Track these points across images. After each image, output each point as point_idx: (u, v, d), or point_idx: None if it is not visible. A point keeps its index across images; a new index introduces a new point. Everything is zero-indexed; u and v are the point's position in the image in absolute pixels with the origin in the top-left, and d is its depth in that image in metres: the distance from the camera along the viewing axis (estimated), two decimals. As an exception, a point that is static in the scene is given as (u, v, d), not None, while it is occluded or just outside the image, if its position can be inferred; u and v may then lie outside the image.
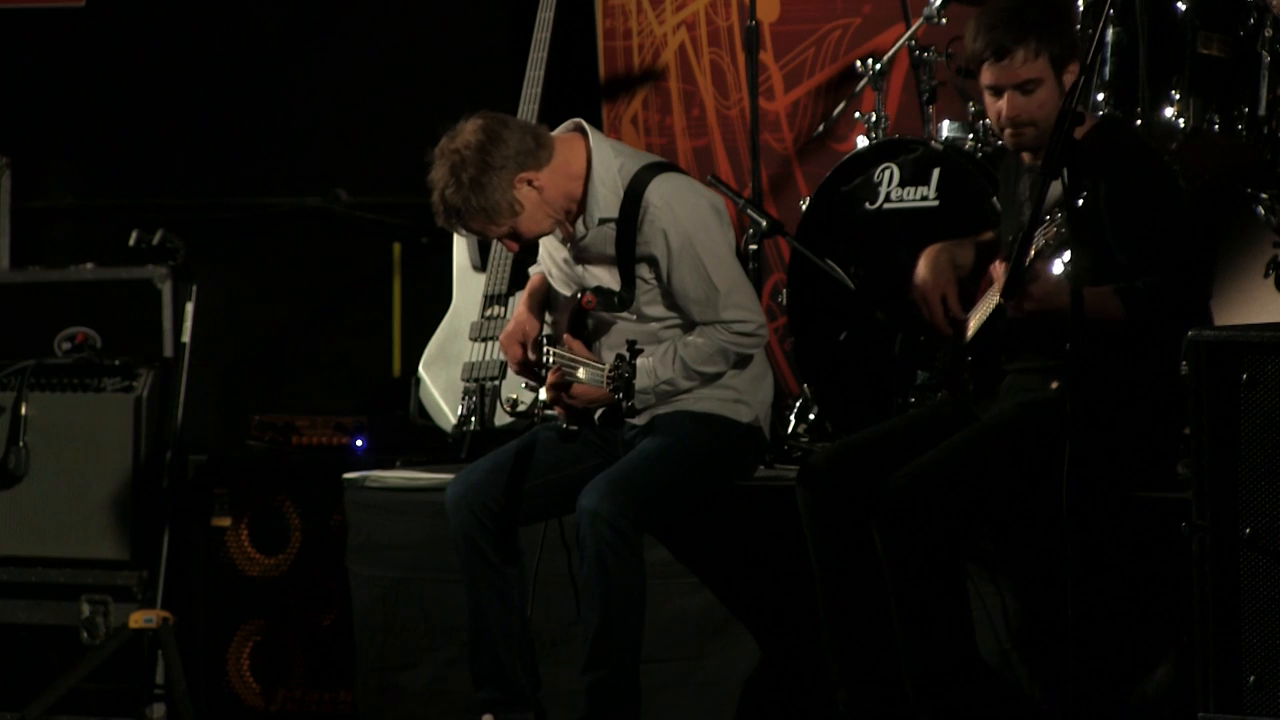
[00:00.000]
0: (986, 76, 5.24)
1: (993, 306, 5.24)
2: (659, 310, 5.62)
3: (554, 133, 5.64)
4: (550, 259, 5.77)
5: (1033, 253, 4.94)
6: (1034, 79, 5.20)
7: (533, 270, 5.91)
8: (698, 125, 7.70)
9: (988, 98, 5.28)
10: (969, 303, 5.41)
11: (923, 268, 5.46)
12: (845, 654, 5.31)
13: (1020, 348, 5.32)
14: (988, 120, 6.28)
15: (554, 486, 5.64)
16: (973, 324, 5.37)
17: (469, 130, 5.49)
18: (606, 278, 5.64)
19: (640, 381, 5.48)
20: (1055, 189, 4.88)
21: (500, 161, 5.45)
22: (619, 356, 5.38)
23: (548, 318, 5.77)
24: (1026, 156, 5.36)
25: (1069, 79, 5.21)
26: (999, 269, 5.16)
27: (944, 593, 5.14)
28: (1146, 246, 5.13)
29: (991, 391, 5.38)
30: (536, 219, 5.54)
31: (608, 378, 5.38)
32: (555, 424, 5.64)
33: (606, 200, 5.57)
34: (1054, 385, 5.24)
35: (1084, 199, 4.67)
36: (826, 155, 7.33)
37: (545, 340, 5.63)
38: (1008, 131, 5.27)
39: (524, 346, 5.66)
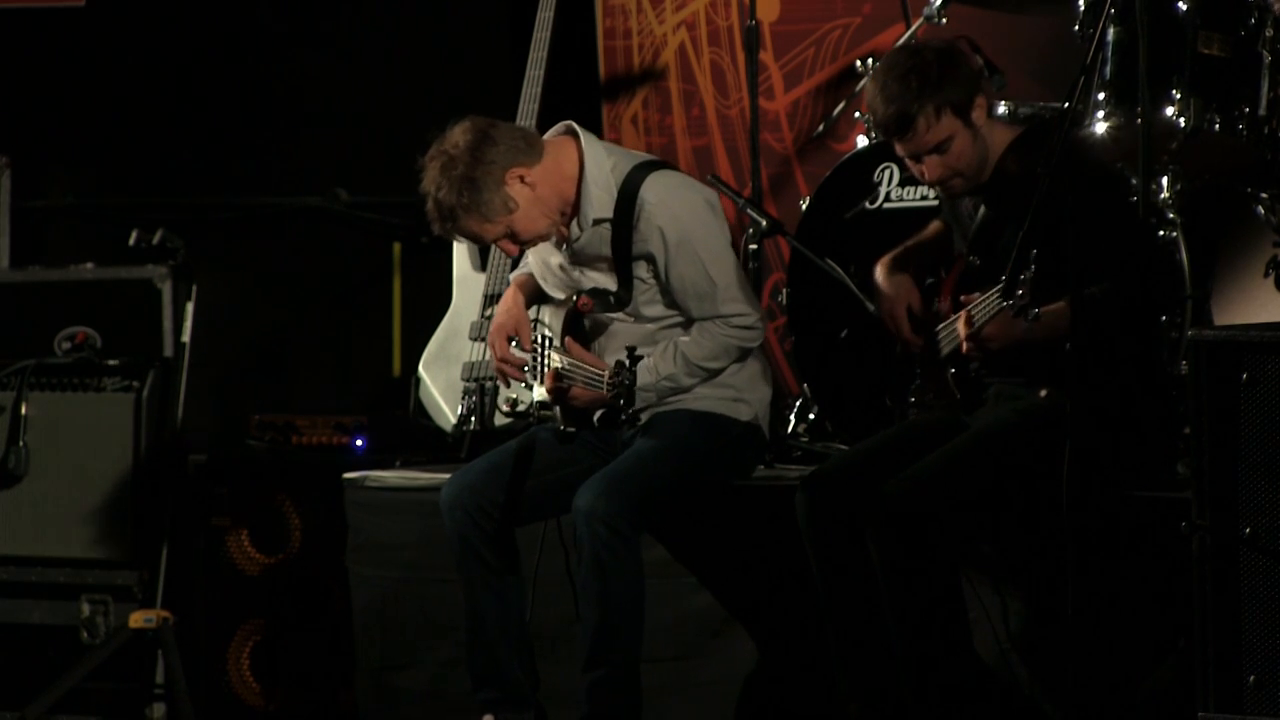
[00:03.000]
0: (900, 149, 5.29)
1: (963, 335, 5.24)
2: (656, 310, 5.62)
3: (545, 136, 5.64)
4: (545, 265, 5.76)
5: (992, 313, 4.99)
6: (945, 138, 5.22)
7: (513, 276, 5.90)
8: (698, 125, 7.70)
9: (909, 162, 5.31)
10: (930, 295, 5.42)
11: (881, 283, 5.49)
12: (853, 668, 5.30)
13: (998, 370, 5.33)
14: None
15: (551, 487, 5.64)
16: (945, 341, 5.37)
17: (457, 132, 5.50)
18: (604, 279, 5.64)
19: (641, 379, 5.48)
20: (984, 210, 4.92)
21: (491, 157, 5.45)
22: (619, 363, 5.38)
23: (545, 318, 5.76)
24: None
25: (978, 115, 5.24)
26: (962, 313, 5.16)
27: (939, 600, 5.13)
28: (1093, 253, 5.11)
29: (979, 401, 5.38)
30: (532, 217, 5.53)
31: (608, 385, 5.39)
32: (553, 425, 5.65)
33: (600, 200, 5.57)
34: (1042, 393, 5.24)
35: (1028, 209, 4.70)
36: (826, 155, 7.33)
37: (543, 342, 5.63)
38: (938, 189, 5.31)
39: (511, 343, 5.65)
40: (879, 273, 5.54)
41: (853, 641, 5.30)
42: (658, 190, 5.55)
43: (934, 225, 5.65)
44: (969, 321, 5.12)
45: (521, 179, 5.48)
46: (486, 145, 5.46)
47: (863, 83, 6.79)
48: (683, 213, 5.56)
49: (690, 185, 5.65)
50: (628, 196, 5.54)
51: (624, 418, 5.45)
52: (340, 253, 8.01)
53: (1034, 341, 5.07)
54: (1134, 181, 5.77)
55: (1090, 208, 5.08)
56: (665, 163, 5.73)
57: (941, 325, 5.37)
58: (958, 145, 5.24)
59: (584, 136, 5.61)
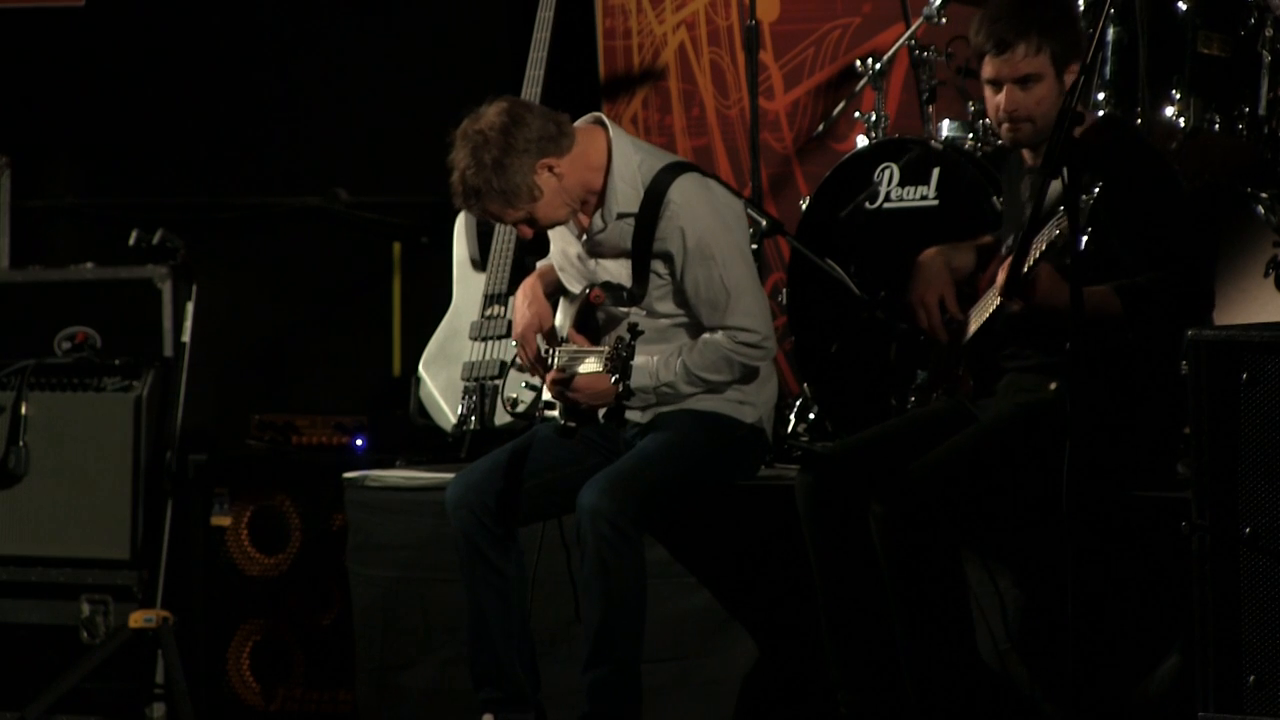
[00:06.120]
0: (987, 69, 5.27)
1: (993, 307, 5.24)
2: (669, 307, 5.62)
3: (575, 124, 5.64)
4: (563, 255, 5.77)
5: (1039, 252, 4.95)
6: (1034, 74, 5.22)
7: (541, 264, 5.91)
8: (697, 125, 7.70)
9: (987, 91, 5.30)
10: (968, 304, 5.42)
11: (920, 270, 5.47)
12: (846, 655, 5.31)
13: (1021, 343, 5.32)
14: (988, 120, 6.29)
15: (555, 485, 5.64)
16: (973, 324, 5.37)
17: (492, 112, 5.50)
18: (619, 273, 5.64)
19: (639, 381, 5.47)
20: (1056, 188, 4.89)
21: (523, 145, 5.45)
22: (618, 338, 5.37)
23: (556, 316, 5.76)
24: (1028, 156, 5.38)
25: (1069, 79, 5.22)
26: (1001, 269, 5.16)
27: (943, 592, 5.14)
28: (1147, 243, 5.14)
29: (989, 390, 5.38)
30: (554, 206, 5.54)
31: (606, 359, 5.37)
32: (555, 422, 5.65)
33: (626, 195, 5.57)
34: (1052, 386, 5.24)
35: (1086, 197, 4.68)
36: (826, 155, 7.33)
37: (546, 341, 5.63)
38: (1004, 126, 5.29)
39: (540, 341, 5.66)
40: (920, 262, 5.51)
41: (847, 629, 5.30)
42: (685, 192, 5.55)
43: (986, 238, 5.64)
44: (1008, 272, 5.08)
45: (550, 169, 5.49)
46: (520, 130, 5.46)
47: (863, 82, 6.79)
48: (706, 217, 5.55)
49: (716, 190, 5.64)
50: (655, 195, 5.54)
51: (620, 390, 5.41)
52: (340, 253, 8.01)
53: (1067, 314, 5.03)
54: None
55: (1143, 197, 5.11)
56: (694, 165, 5.72)
57: (973, 307, 5.37)
58: (1041, 90, 5.23)
59: (613, 129, 5.61)
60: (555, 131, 5.50)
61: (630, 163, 5.58)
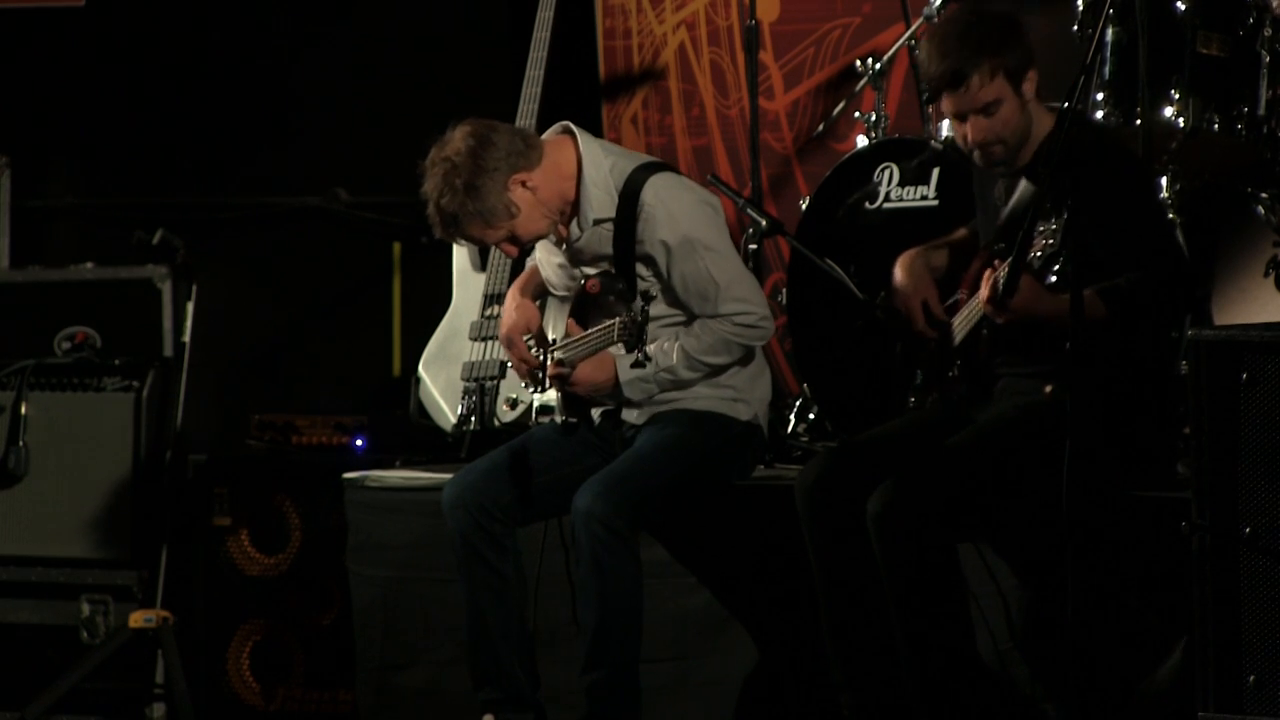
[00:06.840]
0: (947, 105, 5.26)
1: (979, 315, 5.24)
2: (658, 309, 5.62)
3: (543, 136, 5.65)
4: (548, 265, 5.77)
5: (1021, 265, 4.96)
6: (994, 100, 5.21)
7: (527, 265, 5.92)
8: (697, 125, 7.70)
9: (952, 122, 5.30)
10: (948, 297, 5.42)
11: (900, 275, 5.48)
12: (847, 656, 5.31)
13: (1010, 352, 5.33)
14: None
15: (552, 486, 5.64)
16: (958, 328, 5.38)
17: (458, 137, 5.51)
18: (604, 279, 5.66)
19: (638, 372, 5.47)
20: (1026, 190, 4.90)
21: (493, 164, 5.46)
22: (628, 308, 5.36)
23: (547, 321, 5.76)
24: None
25: (1028, 87, 5.23)
26: (985, 275, 5.16)
27: (941, 595, 5.14)
28: (1124, 243, 5.13)
29: (986, 394, 5.38)
30: (533, 219, 5.54)
31: (619, 326, 5.34)
32: (553, 420, 5.65)
33: (600, 201, 5.58)
34: (1047, 389, 5.24)
35: (1065, 200, 4.69)
36: (826, 155, 7.33)
37: (535, 343, 5.63)
38: (976, 153, 5.29)
39: (525, 339, 5.66)
40: (898, 267, 5.52)
41: (848, 630, 5.30)
42: (658, 191, 5.56)
43: (961, 231, 5.64)
44: (994, 285, 5.09)
45: (523, 184, 5.50)
46: (488, 151, 5.47)
47: (863, 82, 6.79)
48: (683, 214, 5.56)
49: (690, 186, 5.67)
50: (629, 198, 5.55)
51: (638, 356, 5.36)
52: (340, 253, 8.01)
53: (1052, 320, 5.03)
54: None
55: (1118, 198, 5.10)
56: (665, 164, 5.74)
57: (958, 314, 5.37)
58: (1005, 111, 5.22)
59: (581, 136, 5.62)
60: (523, 146, 5.51)
61: (601, 168, 5.59)
